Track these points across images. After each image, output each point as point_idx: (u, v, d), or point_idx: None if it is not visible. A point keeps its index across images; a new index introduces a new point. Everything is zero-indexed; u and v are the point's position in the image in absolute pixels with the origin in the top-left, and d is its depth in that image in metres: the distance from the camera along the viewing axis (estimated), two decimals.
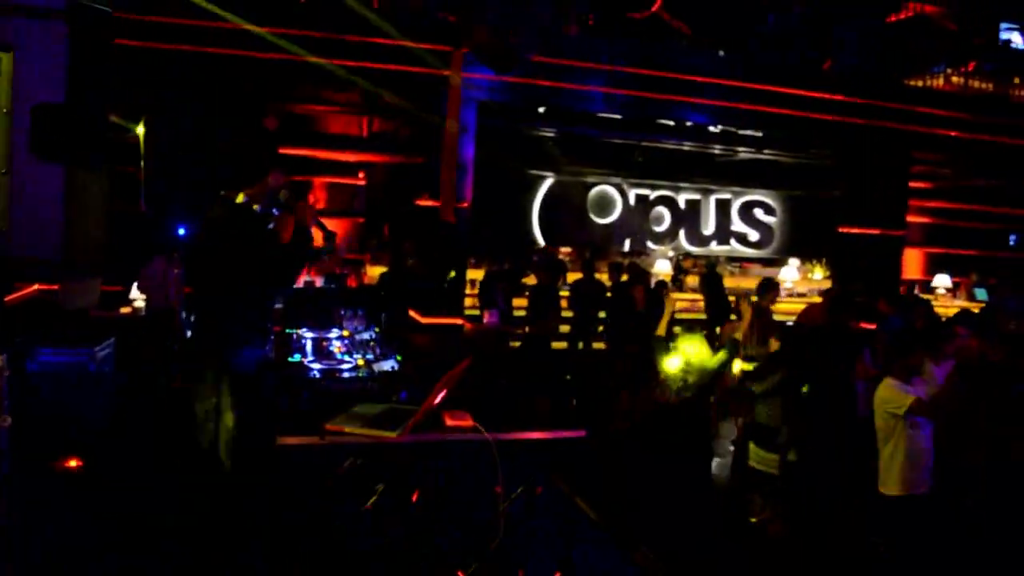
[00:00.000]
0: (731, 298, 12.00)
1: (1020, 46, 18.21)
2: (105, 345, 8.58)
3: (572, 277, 11.79)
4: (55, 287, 10.17)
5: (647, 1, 14.64)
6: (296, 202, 4.31)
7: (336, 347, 4.76)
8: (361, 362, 4.62)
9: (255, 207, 4.22)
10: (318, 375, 4.48)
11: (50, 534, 4.57)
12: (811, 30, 14.97)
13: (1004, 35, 18.08)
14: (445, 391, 3.87)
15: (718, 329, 9.74)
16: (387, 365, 4.67)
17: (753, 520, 6.42)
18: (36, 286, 11.02)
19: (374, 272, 12.67)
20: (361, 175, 14.76)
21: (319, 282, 12.32)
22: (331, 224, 13.52)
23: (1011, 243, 17.89)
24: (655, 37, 14.26)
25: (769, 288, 8.55)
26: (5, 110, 1.88)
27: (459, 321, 10.97)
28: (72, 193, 2.03)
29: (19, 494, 5.33)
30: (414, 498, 4.11)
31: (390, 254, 12.71)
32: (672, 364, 8.04)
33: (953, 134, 14.69)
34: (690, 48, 14.48)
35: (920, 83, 15.95)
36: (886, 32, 15.61)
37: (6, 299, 10.21)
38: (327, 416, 3.81)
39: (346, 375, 4.50)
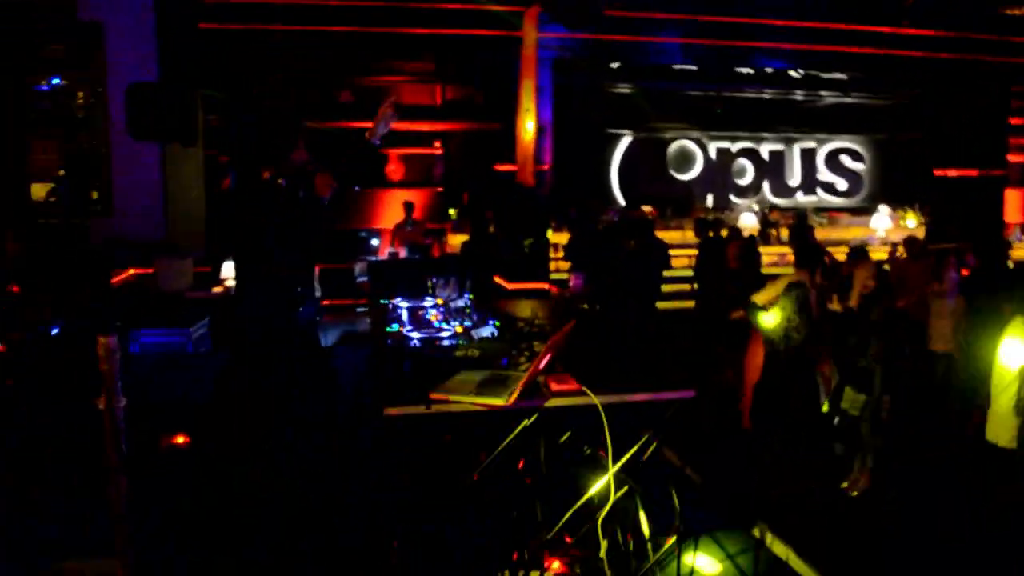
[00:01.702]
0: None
1: None
2: (200, 325, 8.79)
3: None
4: (150, 270, 10.45)
5: None
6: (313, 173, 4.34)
7: (432, 315, 4.71)
8: (460, 329, 4.57)
9: (280, 181, 4.26)
10: (418, 344, 4.44)
11: (163, 511, 4.67)
12: None
13: None
14: (550, 355, 3.78)
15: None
16: (486, 331, 4.60)
17: (844, 485, 6.27)
18: (131, 270, 11.37)
19: (455, 241, 12.68)
20: (437, 144, 14.71)
21: (403, 252, 12.37)
22: (410, 195, 13.66)
23: None
24: None
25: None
26: (99, 89, 1.88)
27: (545, 285, 10.87)
28: (169, 173, 2.04)
29: (133, 472, 5.48)
30: (520, 465, 4.05)
31: (471, 222, 12.70)
32: (768, 320, 7.80)
33: None
34: None
35: (1018, 12, 15.03)
36: None
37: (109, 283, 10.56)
38: (431, 384, 3.77)
39: (446, 343, 4.45)
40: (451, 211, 14.06)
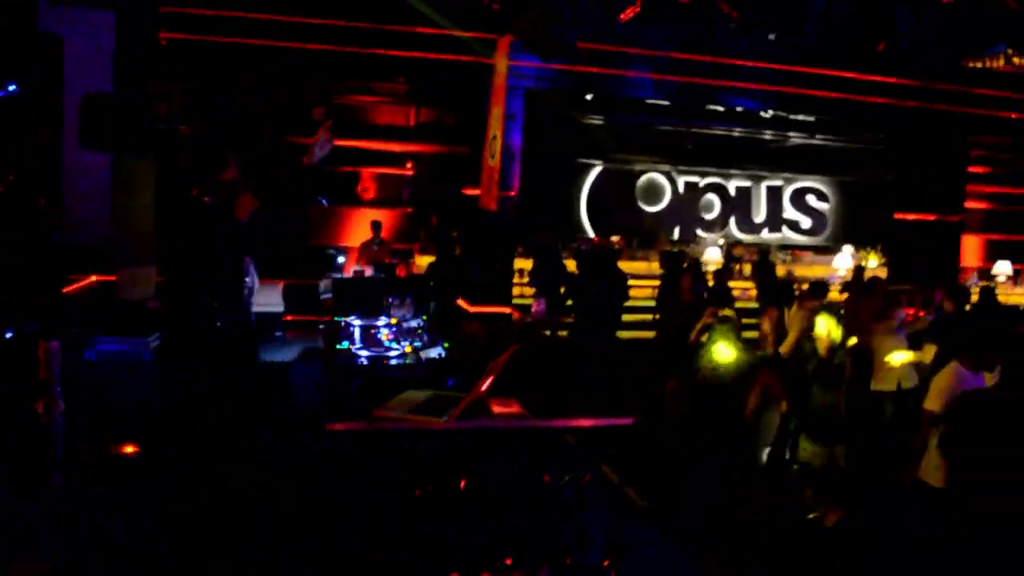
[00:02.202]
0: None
1: None
2: (158, 335, 8.76)
3: None
4: (112, 277, 10.41)
5: None
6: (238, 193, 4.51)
7: (384, 335, 4.77)
8: (409, 349, 4.64)
9: (205, 199, 4.42)
10: (366, 362, 4.51)
11: (105, 517, 4.67)
12: (863, 11, 14.60)
13: None
14: (492, 378, 3.86)
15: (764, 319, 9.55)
16: (434, 352, 4.68)
17: (810, 516, 6.35)
18: (94, 276, 11.31)
19: (423, 262, 12.74)
20: (409, 165, 14.82)
21: (368, 271, 12.39)
22: (380, 214, 13.73)
23: None
24: (703, 21, 14.04)
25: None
26: (55, 99, 1.94)
27: (507, 310, 10.96)
28: (119, 182, 2.07)
29: (75, 477, 5.46)
30: (462, 485, 4.10)
31: (437, 244, 12.78)
32: (723, 353, 7.95)
33: (1014, 116, 14.21)
34: (739, 31, 14.23)
35: (979, 64, 15.49)
36: (943, 12, 15.16)
37: (64, 289, 10.48)
38: (375, 402, 3.82)
39: (394, 362, 4.51)
40: (419, 232, 14.16)
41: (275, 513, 4.06)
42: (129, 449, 6.05)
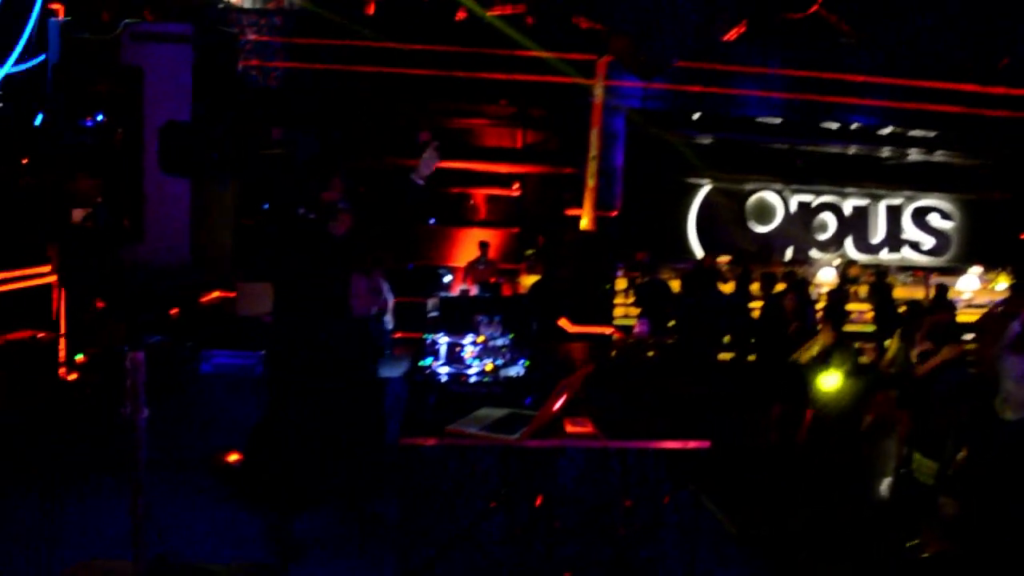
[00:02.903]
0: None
1: None
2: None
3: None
4: (233, 294, 10.98)
5: (805, 2, 14.09)
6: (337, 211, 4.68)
7: (468, 352, 4.87)
8: (490, 367, 4.71)
9: (310, 216, 4.59)
10: (445, 379, 4.60)
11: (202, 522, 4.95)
12: (981, 24, 13.92)
13: None
14: (565, 397, 3.88)
15: (887, 342, 9.19)
16: (514, 371, 4.74)
17: (908, 545, 6.04)
18: (217, 293, 11.94)
19: (528, 281, 12.86)
20: (516, 186, 15.01)
21: (474, 290, 12.60)
22: (487, 234, 13.95)
23: None
24: (815, 38, 13.71)
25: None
26: (137, 128, 2.14)
27: (608, 330, 10.92)
28: (198, 205, 2.23)
29: (180, 484, 5.79)
30: (538, 502, 4.14)
31: (542, 264, 12.87)
32: (828, 382, 7.68)
33: None
34: (854, 47, 13.81)
35: None
36: None
37: (198, 302, 11.15)
38: (453, 418, 3.91)
39: (473, 379, 4.60)
40: (527, 252, 14.30)
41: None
42: (233, 458, 6.37)
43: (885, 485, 7.32)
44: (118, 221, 2.38)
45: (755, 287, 12.47)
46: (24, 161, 4.12)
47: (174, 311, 10.99)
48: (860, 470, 7.63)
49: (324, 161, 4.64)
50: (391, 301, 9.74)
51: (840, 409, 7.70)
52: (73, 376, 8.04)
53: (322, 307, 4.57)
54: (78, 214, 2.42)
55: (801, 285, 10.90)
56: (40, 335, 7.62)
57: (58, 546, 4.51)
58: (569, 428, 3.91)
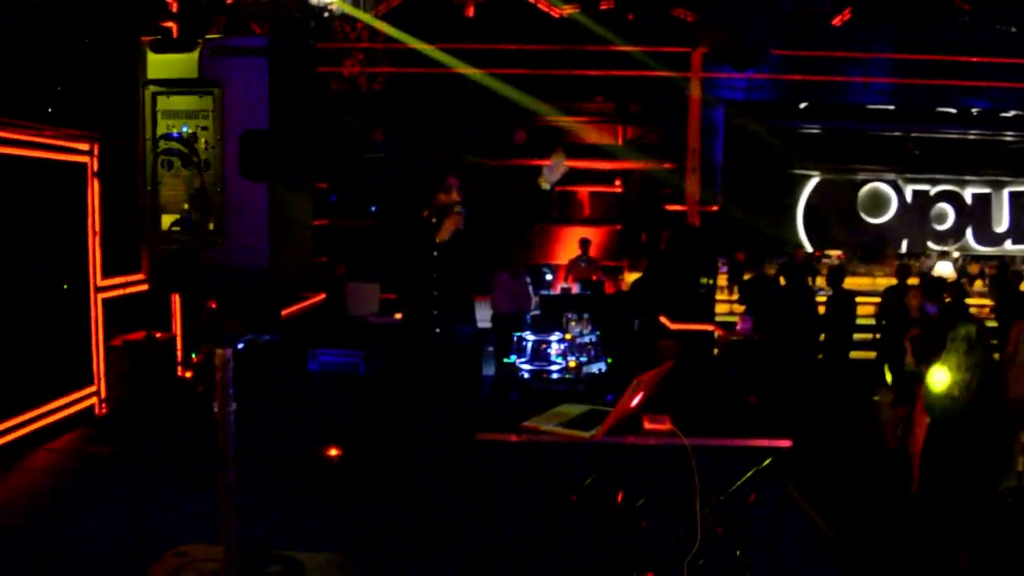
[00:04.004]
0: None
1: None
2: (376, 348, 9.46)
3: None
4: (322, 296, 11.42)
5: None
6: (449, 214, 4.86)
7: (553, 349, 4.91)
8: (572, 364, 4.74)
9: (433, 220, 4.73)
10: (527, 375, 4.66)
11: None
12: None
13: None
14: (642, 394, 3.88)
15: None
16: (595, 368, 4.75)
17: None
18: (323, 295, 12.39)
19: (631, 278, 12.79)
20: (617, 182, 14.94)
21: (575, 288, 12.61)
22: (589, 232, 13.95)
23: None
24: (929, 18, 13.06)
25: None
26: (218, 137, 2.27)
27: (710, 327, 10.76)
28: (277, 210, 2.33)
29: (280, 476, 6.05)
30: (619, 499, 4.15)
31: (646, 260, 12.79)
32: (938, 380, 7.27)
33: None
34: (970, 26, 13.09)
35: None
36: None
37: (301, 305, 11.58)
38: (533, 413, 3.96)
39: (555, 376, 4.64)
40: (631, 249, 14.23)
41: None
42: (334, 452, 6.62)
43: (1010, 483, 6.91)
44: (204, 226, 2.54)
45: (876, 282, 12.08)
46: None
47: (285, 311, 11.50)
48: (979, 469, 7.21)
49: (438, 163, 4.92)
50: (534, 300, 9.87)
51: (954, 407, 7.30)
52: (188, 374, 8.51)
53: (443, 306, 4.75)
54: (167, 220, 2.60)
55: (938, 284, 10.34)
56: (157, 335, 8.11)
57: (157, 534, 4.82)
58: (647, 425, 3.91)
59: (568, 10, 11.26)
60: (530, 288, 9.54)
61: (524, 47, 10.84)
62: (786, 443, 3.93)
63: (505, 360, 4.88)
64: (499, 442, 3.72)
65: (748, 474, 4.19)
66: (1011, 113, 12.90)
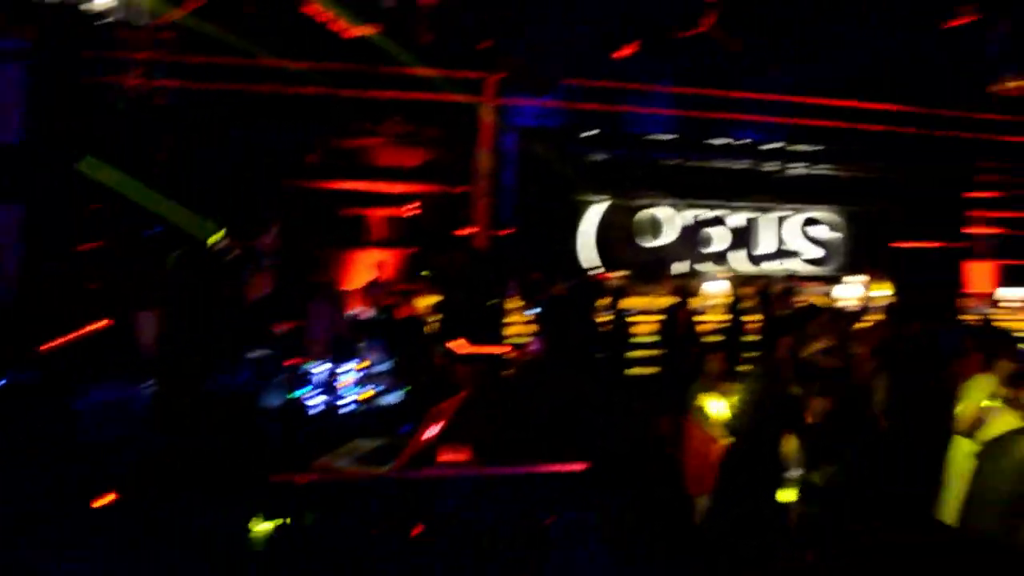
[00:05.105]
0: None
1: None
2: (149, 383, 8.81)
3: None
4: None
5: (694, 21, 14.42)
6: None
7: (343, 380, 4.73)
8: (367, 394, 4.59)
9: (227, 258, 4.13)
10: (317, 411, 4.47)
11: None
12: (868, 39, 14.53)
13: None
14: (438, 424, 3.80)
15: None
16: (392, 398, 4.63)
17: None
18: (106, 322, 11.41)
19: (425, 303, 12.68)
20: (409, 206, 14.83)
21: (369, 313, 12.36)
22: (385, 255, 13.72)
23: None
24: (705, 55, 14.03)
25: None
26: None
27: (501, 349, 10.86)
28: (31, 232, 2.05)
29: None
30: (414, 533, 4.03)
31: (440, 284, 12.73)
32: (714, 407, 7.57)
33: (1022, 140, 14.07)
34: (740, 64, 14.21)
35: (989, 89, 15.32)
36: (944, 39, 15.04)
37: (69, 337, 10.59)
38: (325, 450, 3.79)
39: (347, 409, 4.47)
40: (424, 272, 14.12)
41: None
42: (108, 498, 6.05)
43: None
44: None
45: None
46: None
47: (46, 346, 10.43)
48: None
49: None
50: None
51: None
52: None
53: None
54: None
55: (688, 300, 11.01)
56: None
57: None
58: (446, 456, 3.84)
59: (364, 31, 11.10)
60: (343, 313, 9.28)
61: (319, 66, 10.59)
62: (582, 466, 3.99)
63: (289, 396, 4.62)
64: (290, 484, 3.52)
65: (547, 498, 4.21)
66: (773, 145, 14.11)
